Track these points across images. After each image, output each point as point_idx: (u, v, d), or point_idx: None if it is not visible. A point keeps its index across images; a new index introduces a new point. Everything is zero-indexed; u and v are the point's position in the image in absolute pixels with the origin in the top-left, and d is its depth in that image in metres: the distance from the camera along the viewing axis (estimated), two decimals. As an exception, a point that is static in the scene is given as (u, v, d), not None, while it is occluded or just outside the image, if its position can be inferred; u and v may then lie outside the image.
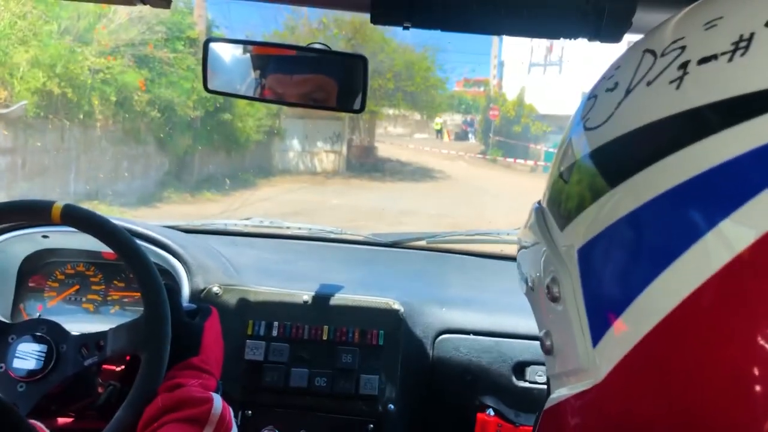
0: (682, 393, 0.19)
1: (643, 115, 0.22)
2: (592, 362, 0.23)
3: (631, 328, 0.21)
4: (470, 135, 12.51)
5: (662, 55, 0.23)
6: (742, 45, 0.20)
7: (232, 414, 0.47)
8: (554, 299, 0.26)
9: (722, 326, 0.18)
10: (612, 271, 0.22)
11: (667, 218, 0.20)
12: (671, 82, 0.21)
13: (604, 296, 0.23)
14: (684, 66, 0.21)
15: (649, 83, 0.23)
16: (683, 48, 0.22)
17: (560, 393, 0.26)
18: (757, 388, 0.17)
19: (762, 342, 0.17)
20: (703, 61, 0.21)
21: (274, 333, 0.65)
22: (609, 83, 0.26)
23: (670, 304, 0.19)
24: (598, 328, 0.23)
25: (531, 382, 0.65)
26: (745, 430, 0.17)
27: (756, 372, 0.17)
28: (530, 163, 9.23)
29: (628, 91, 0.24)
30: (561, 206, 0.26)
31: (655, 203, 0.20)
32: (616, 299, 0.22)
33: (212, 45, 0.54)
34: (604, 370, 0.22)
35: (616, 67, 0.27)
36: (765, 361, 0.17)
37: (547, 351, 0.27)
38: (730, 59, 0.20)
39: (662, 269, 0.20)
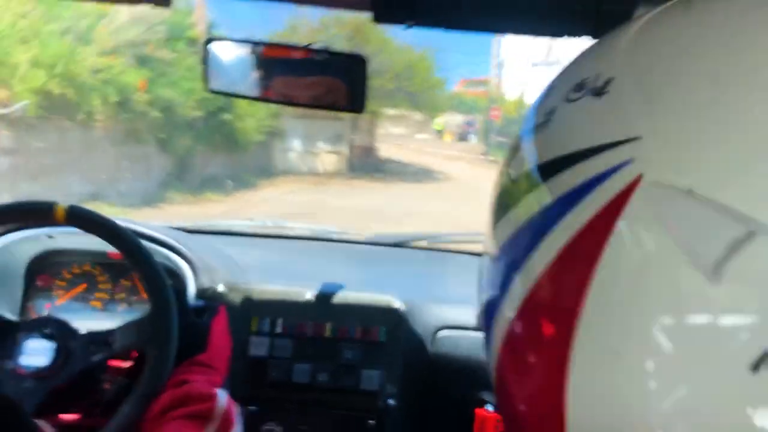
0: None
1: (520, 164, 0.27)
2: (490, 368, 0.28)
3: (498, 331, 0.26)
4: (471, 135, 12.50)
5: (532, 115, 0.28)
6: (549, 117, 0.25)
7: (237, 410, 0.48)
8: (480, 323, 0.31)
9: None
10: (492, 281, 0.27)
11: (499, 265, 0.26)
12: (522, 145, 0.27)
13: (489, 304, 0.28)
14: (527, 132, 0.27)
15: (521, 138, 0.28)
16: (534, 113, 0.27)
17: None
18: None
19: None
20: (533, 130, 0.26)
21: (278, 330, 0.66)
22: None
23: (519, 300, 0.23)
24: (487, 338, 0.28)
25: None
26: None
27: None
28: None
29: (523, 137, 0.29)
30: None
31: (500, 251, 0.26)
32: (487, 322, 0.27)
33: (213, 45, 0.55)
34: (492, 374, 0.27)
35: None
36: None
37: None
38: (541, 131, 0.25)
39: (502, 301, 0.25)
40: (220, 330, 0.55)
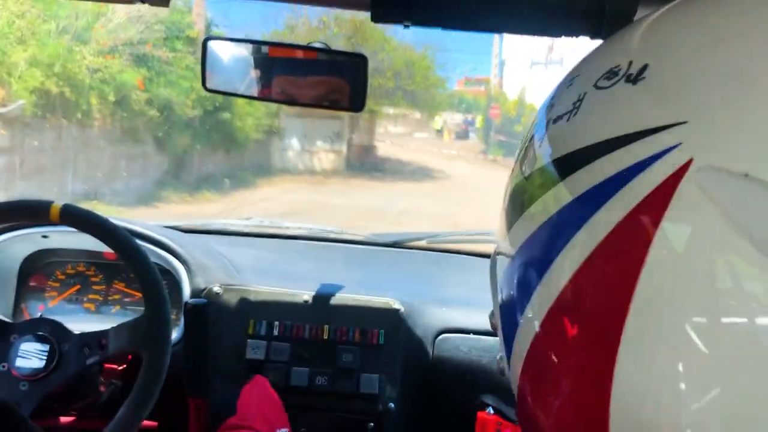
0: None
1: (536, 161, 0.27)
2: (512, 374, 0.26)
3: (524, 337, 0.24)
4: (471, 134, 12.52)
5: (543, 109, 0.27)
6: (577, 105, 0.24)
7: None
8: (494, 329, 0.30)
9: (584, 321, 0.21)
10: (512, 284, 0.26)
11: (522, 264, 0.24)
12: (538, 139, 0.26)
13: (506, 320, 0.27)
14: (547, 124, 0.26)
15: (530, 138, 0.28)
16: (552, 106, 0.26)
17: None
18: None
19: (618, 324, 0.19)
20: (555, 120, 0.25)
21: (275, 332, 0.65)
22: None
23: (547, 305, 0.22)
24: (508, 343, 0.27)
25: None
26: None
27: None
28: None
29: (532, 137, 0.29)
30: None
31: (517, 253, 0.25)
32: (511, 325, 0.26)
33: (211, 43, 0.54)
34: (516, 381, 0.26)
35: None
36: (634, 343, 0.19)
37: (501, 373, 0.30)
38: (568, 119, 0.24)
39: (538, 283, 0.23)
40: (250, 393, 0.54)
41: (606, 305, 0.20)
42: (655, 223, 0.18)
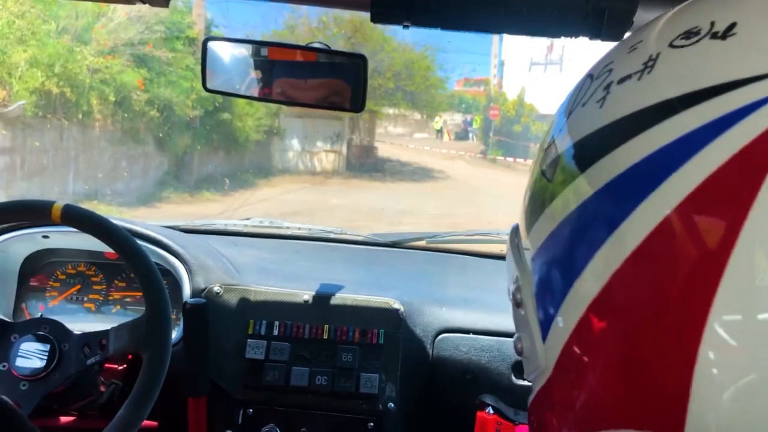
0: (640, 376, 0.21)
1: (575, 132, 0.25)
2: (543, 359, 0.26)
3: (565, 320, 0.24)
4: (470, 134, 12.52)
5: (596, 78, 0.26)
6: (650, 64, 0.23)
7: None
8: (518, 304, 0.29)
9: (640, 307, 0.20)
10: (553, 270, 0.25)
11: (590, 217, 0.23)
12: (597, 101, 0.25)
13: (547, 294, 0.26)
14: (608, 87, 0.25)
15: (583, 104, 0.26)
16: (610, 71, 0.25)
17: (534, 391, 0.29)
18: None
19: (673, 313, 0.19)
20: (621, 81, 0.24)
21: (275, 332, 0.65)
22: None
23: (594, 291, 0.22)
24: (545, 326, 0.26)
25: (530, 381, 0.65)
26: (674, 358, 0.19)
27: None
28: (530, 162, 9.14)
29: (569, 113, 0.27)
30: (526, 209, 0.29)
31: (583, 206, 0.23)
32: (555, 294, 0.25)
33: (211, 44, 0.54)
34: (551, 364, 0.25)
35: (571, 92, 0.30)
36: (675, 332, 0.19)
37: (519, 353, 0.30)
38: (639, 78, 0.23)
39: (588, 261, 0.22)
40: None
41: (695, 276, 0.18)
42: (755, 184, 0.17)
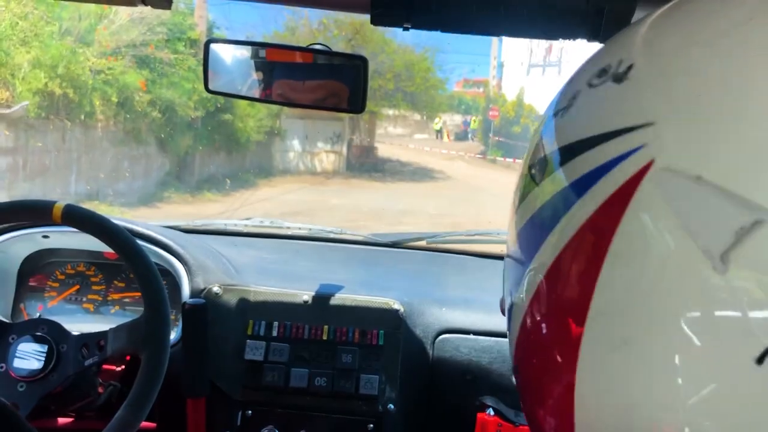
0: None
1: (541, 144, 0.27)
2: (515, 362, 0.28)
3: (513, 323, 0.26)
4: (470, 135, 12.53)
5: (553, 104, 0.28)
6: (571, 102, 0.25)
7: None
8: (503, 311, 0.31)
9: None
10: (511, 273, 0.28)
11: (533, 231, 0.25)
12: (541, 135, 0.27)
13: (510, 296, 0.28)
14: (547, 121, 0.27)
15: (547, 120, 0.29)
16: (555, 103, 0.27)
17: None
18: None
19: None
20: (555, 114, 0.26)
21: (274, 333, 0.65)
22: None
23: (530, 294, 0.24)
24: (510, 332, 0.28)
25: None
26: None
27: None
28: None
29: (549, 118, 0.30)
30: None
31: (522, 228, 0.26)
32: (512, 298, 0.27)
33: (213, 46, 0.54)
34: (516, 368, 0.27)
35: None
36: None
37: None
38: (562, 116, 0.25)
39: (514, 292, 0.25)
40: None
41: (571, 300, 0.20)
42: (616, 221, 0.19)
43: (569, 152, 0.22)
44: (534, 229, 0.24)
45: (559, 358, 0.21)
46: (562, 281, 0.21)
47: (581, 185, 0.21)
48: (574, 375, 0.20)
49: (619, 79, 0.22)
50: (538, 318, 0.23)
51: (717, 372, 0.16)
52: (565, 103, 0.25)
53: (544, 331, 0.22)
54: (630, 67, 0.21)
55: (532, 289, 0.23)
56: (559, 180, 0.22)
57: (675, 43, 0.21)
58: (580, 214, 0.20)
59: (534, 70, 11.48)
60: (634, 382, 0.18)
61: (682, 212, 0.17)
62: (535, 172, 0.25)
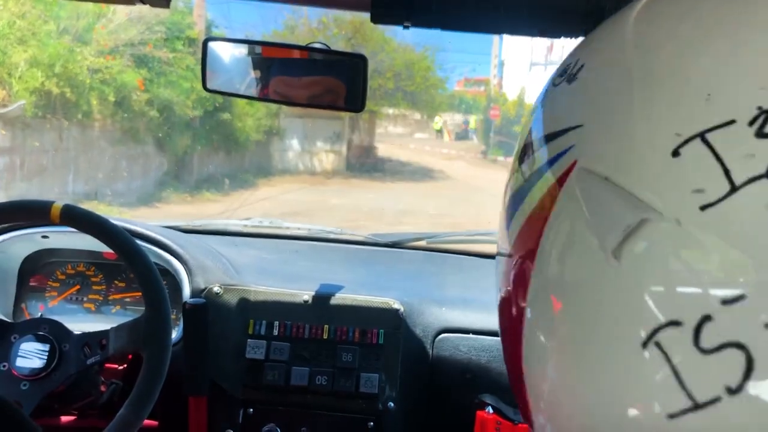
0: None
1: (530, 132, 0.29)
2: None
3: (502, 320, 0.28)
4: (471, 134, 12.54)
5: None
6: (541, 102, 0.26)
7: None
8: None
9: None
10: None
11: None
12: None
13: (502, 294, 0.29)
14: (532, 112, 0.28)
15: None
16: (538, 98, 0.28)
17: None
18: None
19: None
20: (533, 111, 0.27)
21: (275, 332, 0.66)
22: None
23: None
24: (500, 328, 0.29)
25: None
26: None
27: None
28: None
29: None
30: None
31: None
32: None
33: (211, 44, 0.54)
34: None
35: None
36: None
37: None
38: (533, 112, 0.26)
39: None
40: None
41: (515, 292, 0.22)
42: (545, 219, 0.20)
43: (529, 149, 0.24)
44: (505, 219, 0.26)
45: (509, 347, 0.23)
46: (514, 269, 0.23)
47: (531, 182, 0.22)
48: (521, 362, 0.21)
49: (570, 79, 0.23)
50: (503, 308, 0.25)
51: (607, 356, 0.18)
52: (539, 99, 0.27)
53: (506, 322, 0.24)
54: (581, 68, 0.23)
55: (499, 278, 0.25)
56: (520, 175, 0.24)
57: (614, 46, 0.22)
58: (527, 208, 0.22)
59: (535, 69, 11.47)
60: (556, 375, 0.20)
61: (590, 210, 0.19)
62: (516, 165, 0.27)
